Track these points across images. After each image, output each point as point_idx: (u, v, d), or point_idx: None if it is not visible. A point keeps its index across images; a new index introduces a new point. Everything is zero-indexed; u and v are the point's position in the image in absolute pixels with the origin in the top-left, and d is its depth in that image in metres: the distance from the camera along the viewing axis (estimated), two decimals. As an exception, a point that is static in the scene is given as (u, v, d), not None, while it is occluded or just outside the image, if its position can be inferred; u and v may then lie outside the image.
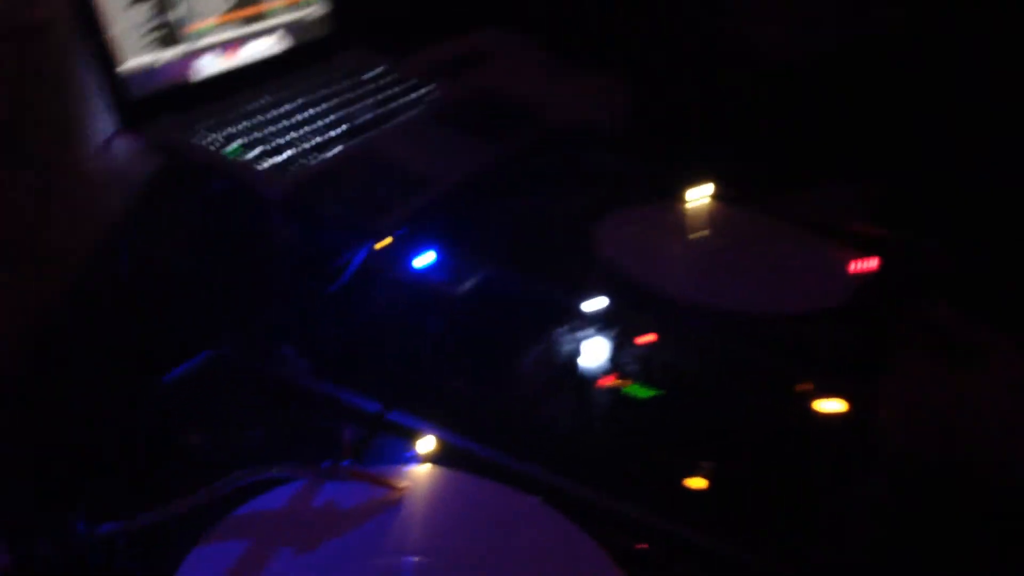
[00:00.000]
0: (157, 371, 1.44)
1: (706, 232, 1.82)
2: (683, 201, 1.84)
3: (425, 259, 1.71)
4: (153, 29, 1.59)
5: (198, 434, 1.38)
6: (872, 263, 1.74)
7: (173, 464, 1.32)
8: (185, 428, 1.39)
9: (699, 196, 1.85)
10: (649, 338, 1.63)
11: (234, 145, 1.59)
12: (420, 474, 1.34)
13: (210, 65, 1.68)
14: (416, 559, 1.16)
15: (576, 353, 1.61)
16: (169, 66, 1.60)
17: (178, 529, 1.19)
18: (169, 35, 1.59)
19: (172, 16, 1.59)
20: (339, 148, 1.69)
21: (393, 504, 1.27)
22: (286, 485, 1.27)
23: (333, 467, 1.26)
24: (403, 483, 1.30)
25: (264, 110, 1.70)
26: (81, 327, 1.43)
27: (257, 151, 1.60)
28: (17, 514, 1.13)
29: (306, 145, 1.66)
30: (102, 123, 1.53)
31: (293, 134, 1.65)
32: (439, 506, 1.28)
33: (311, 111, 1.74)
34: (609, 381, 1.56)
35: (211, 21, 1.65)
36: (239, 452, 1.36)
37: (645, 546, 1.19)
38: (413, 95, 1.86)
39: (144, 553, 1.13)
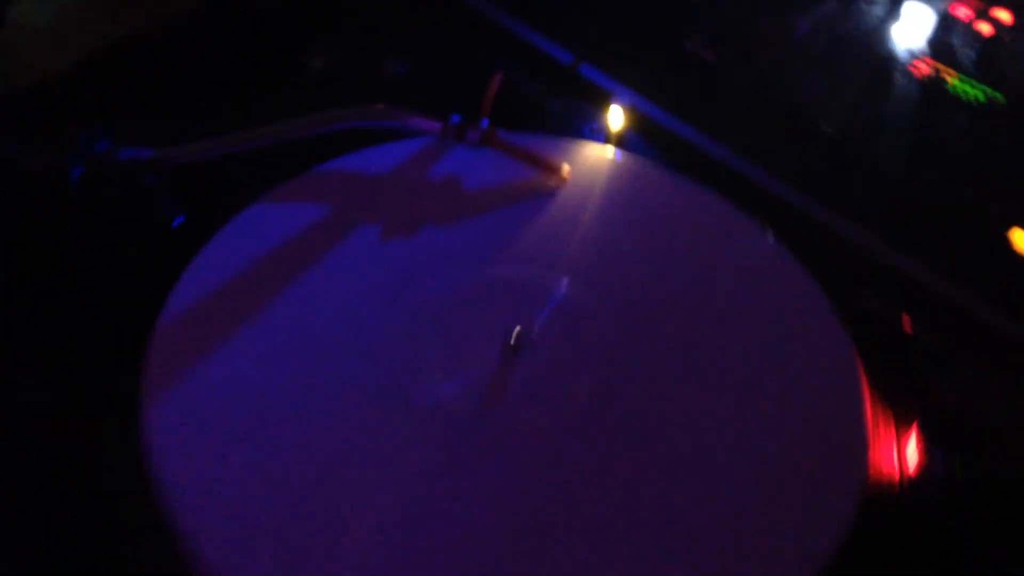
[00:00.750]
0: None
1: None
2: None
3: None
4: None
5: (321, 57, 1.01)
6: None
7: (281, 91, 0.97)
8: (306, 47, 1.02)
9: None
10: (1003, 18, 1.07)
11: None
12: (598, 156, 0.92)
13: None
14: (564, 282, 0.77)
15: (880, 21, 1.07)
16: None
17: (244, 176, 0.85)
18: None
19: None
20: None
21: (542, 192, 0.86)
22: (401, 142, 0.89)
23: (467, 126, 0.85)
24: (564, 165, 0.88)
25: None
26: None
27: None
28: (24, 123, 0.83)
29: None
30: None
31: None
32: (615, 208, 0.86)
33: None
34: (924, 68, 1.01)
35: None
36: (370, 87, 0.99)
37: (906, 319, 0.82)
38: None
39: (192, 196, 0.81)
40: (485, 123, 0.86)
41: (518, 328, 0.73)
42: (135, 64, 0.93)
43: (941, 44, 1.05)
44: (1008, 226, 0.88)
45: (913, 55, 1.05)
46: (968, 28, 1.08)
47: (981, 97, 0.99)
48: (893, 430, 0.75)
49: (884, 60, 1.04)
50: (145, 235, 0.81)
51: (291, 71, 0.99)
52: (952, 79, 1.01)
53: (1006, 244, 0.87)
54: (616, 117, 0.95)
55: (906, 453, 0.74)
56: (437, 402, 0.69)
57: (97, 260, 0.78)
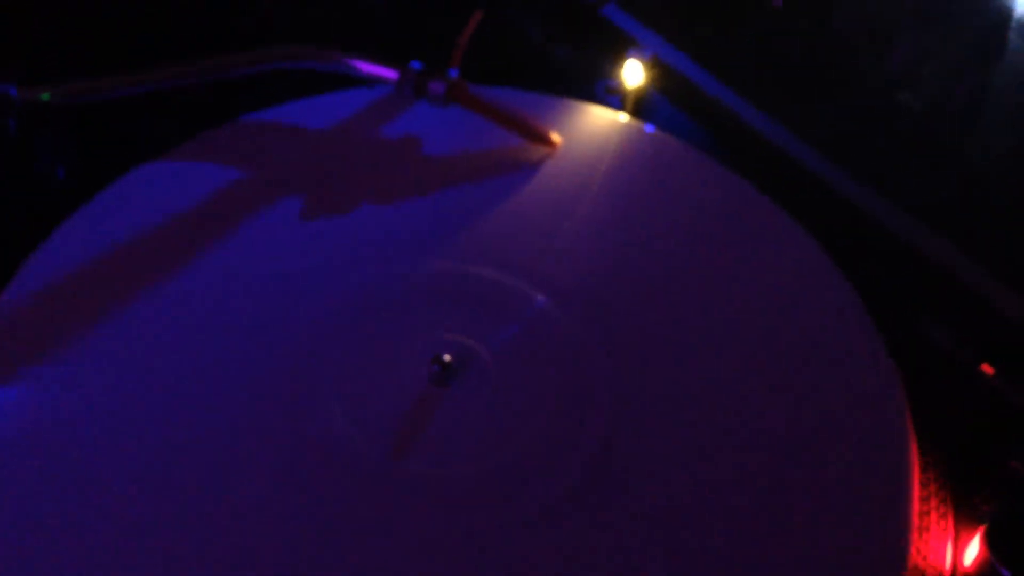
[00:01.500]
0: None
1: None
2: None
3: None
4: None
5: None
6: None
7: (228, 23, 0.80)
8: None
9: None
10: None
11: None
12: (600, 124, 0.72)
13: None
14: (533, 290, 0.60)
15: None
16: None
17: (161, 126, 0.69)
18: None
19: None
20: None
21: (521, 167, 0.68)
22: (351, 91, 0.72)
23: (430, 76, 0.67)
24: (552, 133, 0.69)
25: None
26: None
27: None
28: None
29: None
30: None
31: None
32: (613, 195, 0.68)
33: None
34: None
35: None
36: (337, 21, 0.81)
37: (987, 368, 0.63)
38: None
39: (90, 149, 0.65)
40: (454, 74, 0.67)
41: (447, 357, 0.55)
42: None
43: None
44: None
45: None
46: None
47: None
48: (951, 520, 0.56)
49: (997, 14, 0.81)
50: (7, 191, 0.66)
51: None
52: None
53: None
54: (636, 73, 0.76)
55: (964, 554, 0.54)
56: (335, 444, 0.53)
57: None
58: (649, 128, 0.73)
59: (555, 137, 0.70)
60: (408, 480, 0.52)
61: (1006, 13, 0.83)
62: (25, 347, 0.55)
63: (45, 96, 0.66)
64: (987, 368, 0.61)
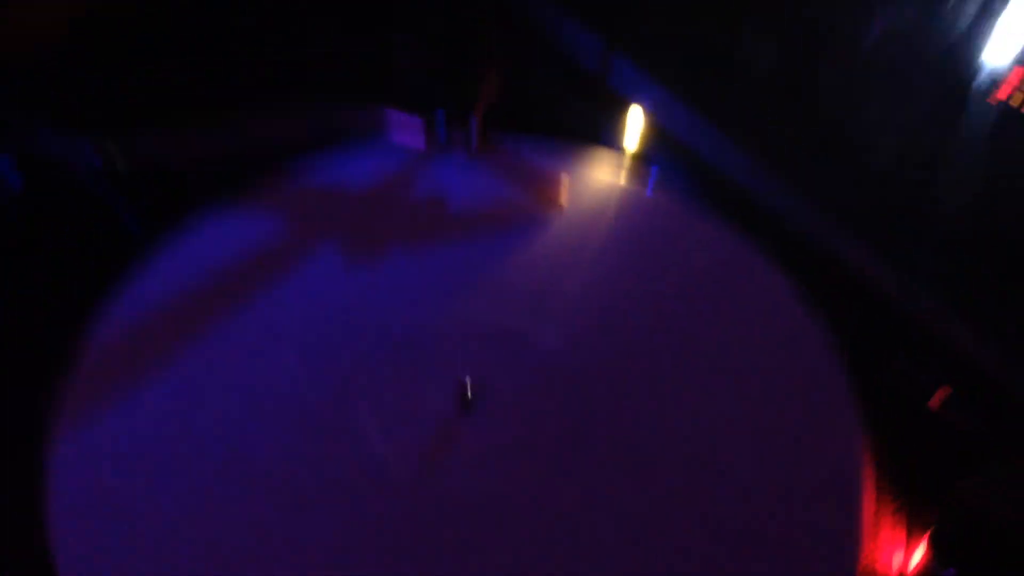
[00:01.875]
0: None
1: None
2: None
3: None
4: None
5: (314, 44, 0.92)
6: None
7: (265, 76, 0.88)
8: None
9: None
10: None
11: None
12: (608, 178, 0.82)
13: None
14: (546, 329, 0.69)
15: (953, 37, 0.94)
16: None
17: (204, 181, 0.78)
18: None
19: None
20: None
21: (535, 215, 0.77)
22: (374, 147, 0.80)
23: (454, 130, 0.76)
24: (564, 178, 0.78)
25: None
26: None
27: None
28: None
29: None
30: None
31: None
32: (620, 244, 0.77)
33: None
34: (1004, 91, 0.88)
35: None
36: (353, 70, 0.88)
37: (942, 395, 0.71)
38: None
39: (150, 202, 0.74)
40: (476, 128, 0.76)
41: (469, 380, 0.65)
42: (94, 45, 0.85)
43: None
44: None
45: (1001, 76, 0.91)
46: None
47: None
48: (903, 529, 0.64)
49: (962, 81, 0.89)
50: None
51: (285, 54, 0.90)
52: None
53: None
54: (637, 130, 0.84)
55: (910, 559, 0.63)
56: (368, 464, 0.62)
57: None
58: (650, 183, 0.82)
59: (563, 196, 0.78)
60: (429, 499, 0.61)
61: (966, 75, 0.90)
62: (106, 376, 0.65)
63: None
64: (937, 398, 0.69)
